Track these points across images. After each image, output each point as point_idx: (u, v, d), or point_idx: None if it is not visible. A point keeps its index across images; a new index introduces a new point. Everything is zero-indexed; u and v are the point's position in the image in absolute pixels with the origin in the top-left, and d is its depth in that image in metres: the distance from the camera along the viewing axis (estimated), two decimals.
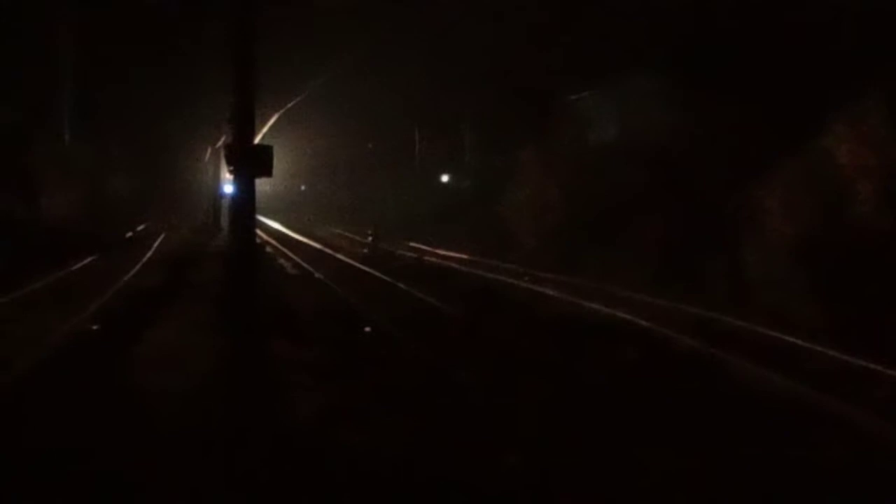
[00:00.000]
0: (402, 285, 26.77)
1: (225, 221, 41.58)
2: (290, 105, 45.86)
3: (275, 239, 50.24)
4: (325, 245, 45.71)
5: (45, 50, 44.02)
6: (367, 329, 19.81)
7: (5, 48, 37.97)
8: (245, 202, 11.92)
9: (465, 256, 36.17)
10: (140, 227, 51.71)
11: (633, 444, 11.20)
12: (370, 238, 42.97)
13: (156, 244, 43.62)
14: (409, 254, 39.27)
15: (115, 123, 53.54)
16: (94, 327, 18.56)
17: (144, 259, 35.12)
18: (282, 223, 64.50)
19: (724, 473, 10.17)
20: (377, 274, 30.64)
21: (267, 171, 12.18)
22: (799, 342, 16.57)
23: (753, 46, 23.89)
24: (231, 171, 11.97)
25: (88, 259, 32.94)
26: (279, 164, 12.31)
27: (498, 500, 9.49)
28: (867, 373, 14.40)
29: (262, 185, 12.88)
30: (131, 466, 9.59)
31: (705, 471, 10.14)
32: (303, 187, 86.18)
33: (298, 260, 36.79)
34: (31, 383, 13.70)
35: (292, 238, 53.25)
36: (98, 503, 8.89)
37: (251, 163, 11.94)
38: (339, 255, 39.06)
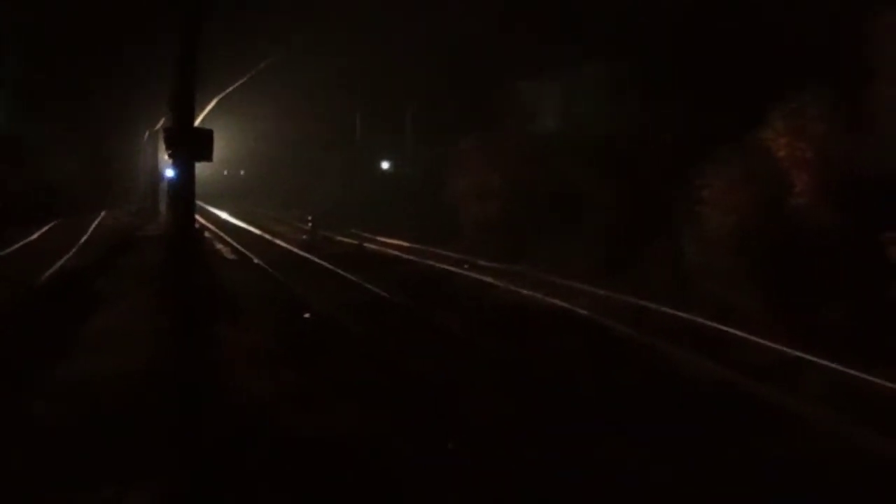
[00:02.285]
0: (341, 272, 26.70)
1: (163, 206, 41.07)
2: (230, 89, 45.28)
3: (213, 224, 49.74)
4: (264, 231, 45.39)
5: None
6: (307, 315, 19.74)
7: None
8: (184, 186, 11.70)
9: (405, 244, 36.13)
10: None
11: (559, 426, 11.42)
12: (310, 224, 42.73)
13: (93, 225, 43.01)
14: (350, 240, 39.14)
15: (53, 104, 52.59)
16: None
17: (82, 240, 34.65)
18: (220, 208, 63.89)
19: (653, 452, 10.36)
20: (317, 260, 30.53)
21: (207, 156, 11.96)
22: (735, 331, 16.82)
23: (698, 41, 24.12)
24: (170, 156, 11.72)
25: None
26: (219, 149, 12.10)
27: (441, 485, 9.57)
28: (801, 362, 14.68)
29: (201, 169, 12.67)
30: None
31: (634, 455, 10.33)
32: (242, 172, 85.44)
33: (237, 245, 36.49)
34: None
35: (230, 223, 52.83)
36: None
37: (191, 147, 11.72)
38: (278, 241, 38.84)
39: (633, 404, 12.72)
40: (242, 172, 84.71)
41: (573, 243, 26.55)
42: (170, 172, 11.59)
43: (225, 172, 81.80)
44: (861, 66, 19.58)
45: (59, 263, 25.93)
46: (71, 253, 29.37)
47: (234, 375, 13.05)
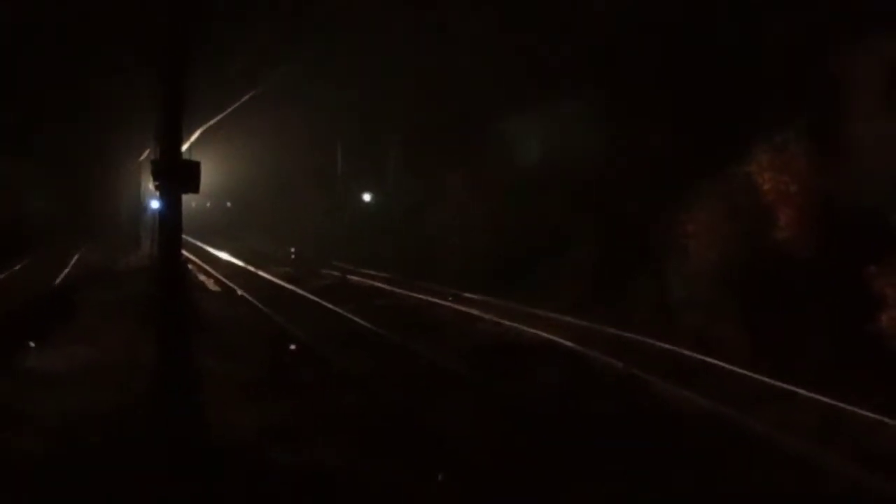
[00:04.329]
0: (326, 304, 26.80)
1: (146, 238, 40.99)
2: (214, 121, 45.44)
3: (195, 255, 49.64)
4: (248, 262, 45.34)
5: None
6: (293, 347, 19.82)
7: None
8: (171, 218, 11.83)
9: (389, 276, 36.18)
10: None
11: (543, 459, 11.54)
12: (293, 256, 42.80)
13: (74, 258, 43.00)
14: (333, 272, 39.12)
15: (37, 141, 52.65)
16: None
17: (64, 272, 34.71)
18: (204, 242, 63.81)
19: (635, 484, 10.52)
20: (301, 292, 30.60)
21: (194, 187, 12.10)
22: (718, 362, 16.99)
23: (681, 76, 24.43)
24: (157, 187, 11.86)
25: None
26: (205, 180, 12.24)
27: None
28: (784, 394, 14.84)
29: (186, 201, 12.81)
30: None
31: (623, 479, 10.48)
32: (228, 204, 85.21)
33: (220, 277, 36.48)
34: None
35: (212, 255, 52.66)
36: None
37: (178, 178, 11.86)
38: (262, 273, 38.83)
39: (613, 433, 12.91)
40: (228, 204, 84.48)
41: (557, 276, 26.72)
42: (155, 204, 11.69)
43: (208, 204, 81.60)
44: (839, 103, 20.12)
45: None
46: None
47: (220, 407, 13.10)
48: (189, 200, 12.81)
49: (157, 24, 11.58)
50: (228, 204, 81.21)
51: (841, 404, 13.83)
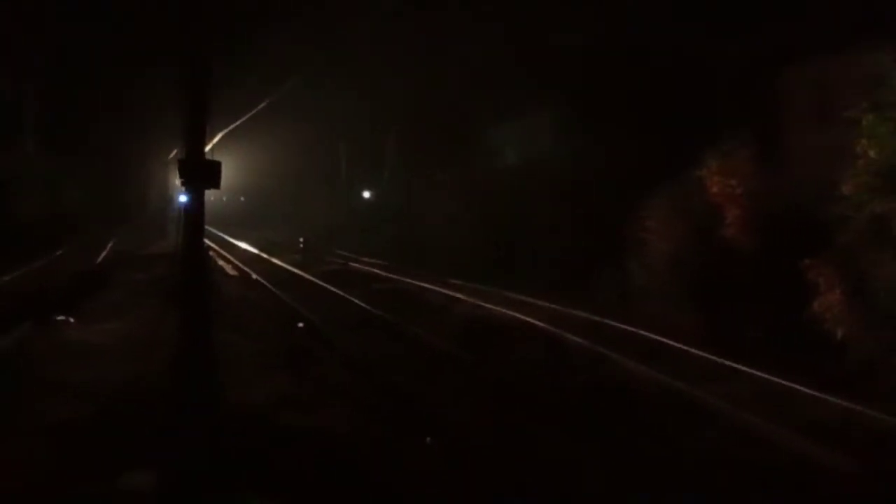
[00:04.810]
0: (330, 287, 26.87)
1: (172, 228, 40.94)
2: (233, 126, 45.39)
3: (215, 243, 49.55)
4: (261, 250, 45.32)
5: (13, 68, 42.88)
6: (300, 325, 19.92)
7: None
8: (195, 210, 11.90)
9: (385, 263, 36.25)
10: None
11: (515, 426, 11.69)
12: (301, 245, 42.85)
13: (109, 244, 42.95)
14: (336, 260, 39.18)
15: (76, 138, 52.52)
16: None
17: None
18: (223, 231, 63.65)
19: (601, 446, 10.69)
20: (308, 277, 30.66)
21: (216, 184, 12.16)
22: (674, 344, 17.14)
23: (645, 93, 24.65)
24: (182, 183, 11.92)
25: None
26: (224, 177, 12.32)
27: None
28: (730, 371, 15.01)
29: (206, 196, 12.91)
30: None
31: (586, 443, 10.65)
32: (242, 199, 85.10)
33: (237, 262, 36.52)
34: None
35: (230, 243, 52.60)
36: None
37: (201, 176, 11.91)
38: (274, 259, 38.86)
39: (581, 402, 13.12)
40: (242, 199, 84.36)
41: (533, 265, 26.84)
42: (182, 198, 11.76)
43: (224, 199, 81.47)
44: (778, 118, 20.51)
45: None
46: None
47: (237, 377, 13.19)
48: (208, 195, 12.83)
49: (183, 46, 11.63)
50: (242, 199, 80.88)
51: (778, 379, 13.99)
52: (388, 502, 9.15)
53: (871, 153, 15.04)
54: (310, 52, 42.69)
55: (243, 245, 50.78)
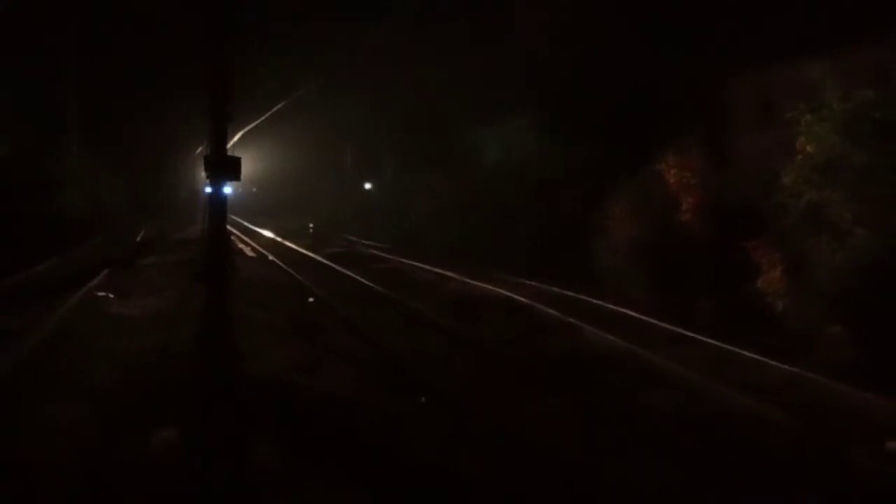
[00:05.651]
0: (336, 266, 26.86)
1: (199, 215, 40.80)
2: (251, 126, 45.39)
3: (235, 229, 49.42)
4: (276, 235, 45.19)
5: (54, 72, 42.56)
6: (311, 300, 19.91)
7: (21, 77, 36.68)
8: (218, 200, 11.95)
9: (385, 246, 36.23)
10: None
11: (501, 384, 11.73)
12: (311, 231, 42.82)
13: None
14: (342, 243, 39.12)
15: (113, 136, 52.47)
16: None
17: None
18: (242, 218, 63.49)
19: (572, 401, 10.73)
20: (318, 258, 30.65)
21: (236, 177, 12.25)
22: (635, 315, 17.21)
23: (609, 101, 24.75)
24: (207, 177, 11.96)
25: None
26: (245, 171, 12.40)
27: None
28: (684, 338, 15.08)
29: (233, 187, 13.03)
30: None
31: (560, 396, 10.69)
32: (254, 189, 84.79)
33: (256, 245, 36.49)
34: None
35: (250, 228, 52.44)
36: None
37: (224, 170, 11.95)
38: (288, 243, 38.77)
39: (553, 363, 13.21)
40: (255, 189, 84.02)
41: (513, 249, 26.81)
42: (207, 189, 11.82)
43: (239, 189, 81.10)
44: (726, 120, 20.70)
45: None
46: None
47: (254, 347, 13.19)
48: (235, 187, 12.91)
49: (207, 60, 11.69)
50: (254, 189, 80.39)
51: (726, 346, 14.08)
52: (385, 445, 9.19)
53: (809, 149, 15.12)
54: (321, 63, 42.79)
55: (261, 230, 50.65)
